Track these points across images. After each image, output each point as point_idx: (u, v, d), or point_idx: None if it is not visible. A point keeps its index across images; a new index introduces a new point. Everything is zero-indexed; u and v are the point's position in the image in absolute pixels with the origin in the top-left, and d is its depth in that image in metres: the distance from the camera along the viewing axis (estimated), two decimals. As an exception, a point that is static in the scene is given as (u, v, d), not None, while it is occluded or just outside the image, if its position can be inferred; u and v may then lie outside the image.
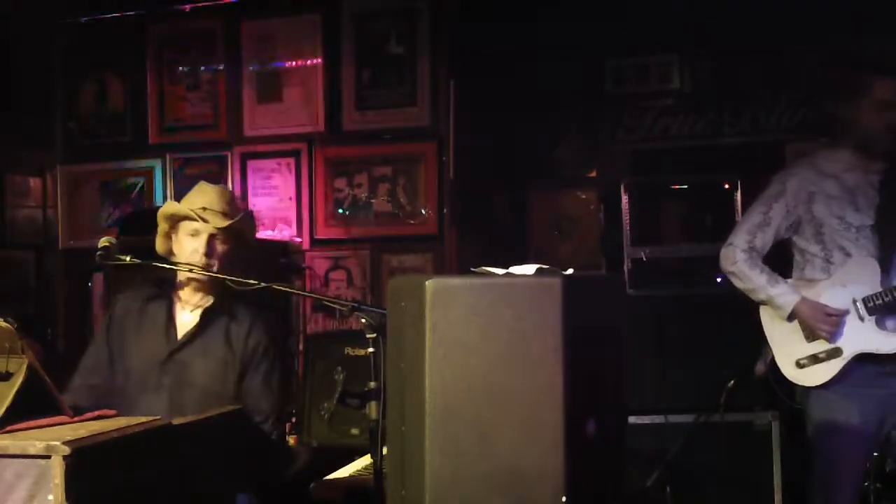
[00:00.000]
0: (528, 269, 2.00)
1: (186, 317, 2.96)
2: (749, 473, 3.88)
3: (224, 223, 2.89)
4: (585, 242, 5.14)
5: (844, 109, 3.15)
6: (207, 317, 2.94)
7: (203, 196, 2.96)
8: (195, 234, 2.90)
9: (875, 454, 3.53)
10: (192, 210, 2.90)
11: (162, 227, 2.98)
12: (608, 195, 4.73)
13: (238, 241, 2.94)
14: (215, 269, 2.87)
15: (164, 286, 3.01)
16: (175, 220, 2.95)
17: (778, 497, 3.84)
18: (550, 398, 1.82)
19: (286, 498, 3.76)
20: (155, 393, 2.86)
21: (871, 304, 3.04)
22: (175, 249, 2.96)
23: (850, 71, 3.20)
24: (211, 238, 2.89)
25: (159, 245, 3.01)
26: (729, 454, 3.78)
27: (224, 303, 2.95)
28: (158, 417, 2.43)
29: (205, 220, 2.88)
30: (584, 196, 5.22)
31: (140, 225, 3.73)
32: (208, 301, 2.96)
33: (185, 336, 2.92)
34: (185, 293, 2.98)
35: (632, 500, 3.70)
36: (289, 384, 3.02)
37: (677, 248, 4.20)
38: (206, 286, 2.94)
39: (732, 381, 3.54)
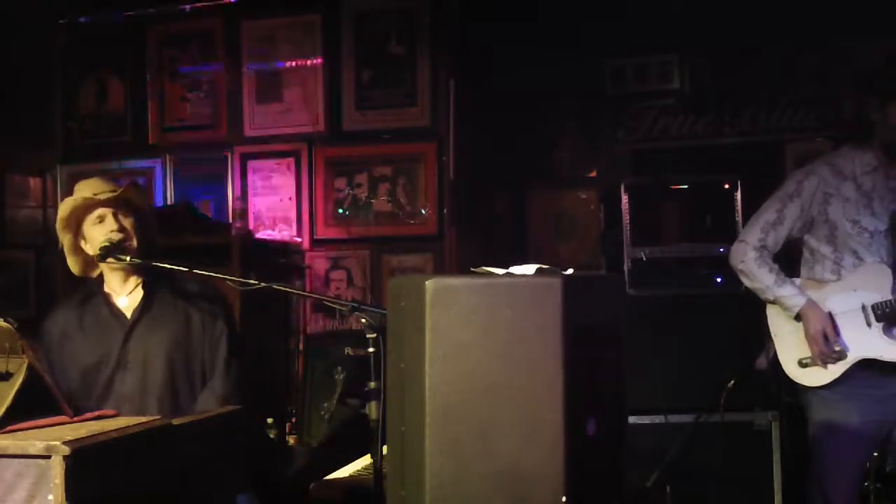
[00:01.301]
0: (528, 269, 2.01)
1: (125, 301, 2.98)
2: (749, 473, 3.88)
3: (114, 194, 2.90)
4: (585, 242, 5.14)
5: (876, 110, 3.10)
6: (149, 290, 2.97)
7: (86, 188, 2.96)
8: (101, 220, 2.91)
9: (875, 454, 3.53)
10: (86, 196, 2.92)
11: (66, 240, 2.96)
12: (608, 195, 4.73)
13: (137, 213, 2.96)
14: (133, 244, 2.89)
15: (91, 287, 3.03)
16: (75, 221, 2.94)
17: (778, 497, 3.84)
18: (550, 398, 1.83)
19: (286, 498, 3.77)
20: (122, 373, 2.88)
21: (880, 311, 3.03)
22: (90, 252, 2.95)
23: (885, 72, 3.17)
24: (115, 215, 2.91)
25: (74, 265, 3.00)
26: (729, 454, 3.77)
27: (159, 278, 2.98)
28: (158, 417, 2.43)
29: (101, 199, 2.90)
30: (584, 196, 5.22)
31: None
32: (140, 280, 2.98)
33: (134, 314, 2.94)
34: (114, 285, 2.99)
35: (632, 500, 3.70)
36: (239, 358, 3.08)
37: (677, 248, 4.20)
38: (135, 270, 2.96)
39: (732, 381, 3.54)
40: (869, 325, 3.04)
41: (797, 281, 3.18)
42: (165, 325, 2.95)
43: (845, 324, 3.08)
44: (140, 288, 2.98)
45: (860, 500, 3.59)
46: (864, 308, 3.05)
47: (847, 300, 3.07)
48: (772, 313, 3.21)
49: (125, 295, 2.98)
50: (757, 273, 3.17)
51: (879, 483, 3.63)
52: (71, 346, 2.95)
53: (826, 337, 3.04)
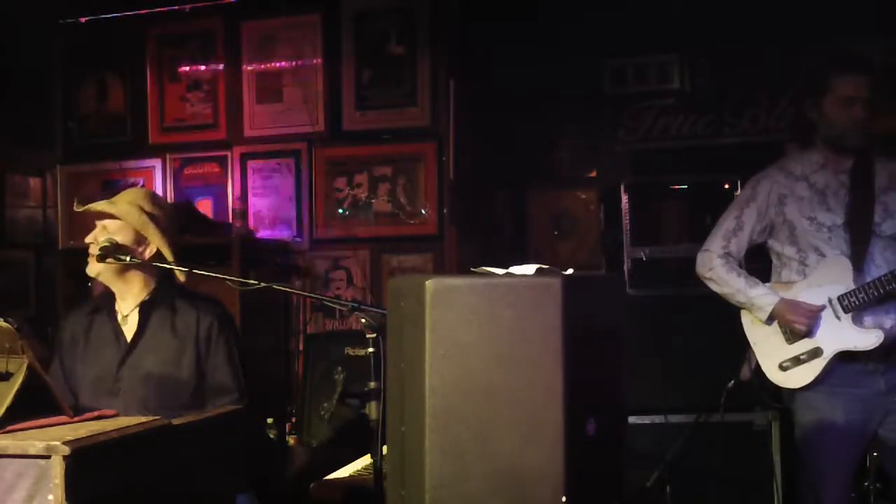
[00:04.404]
0: (528, 269, 2.01)
1: (125, 322, 2.99)
2: (749, 473, 3.88)
3: (98, 208, 2.95)
4: (585, 242, 5.14)
5: (812, 109, 3.17)
6: (145, 311, 2.96)
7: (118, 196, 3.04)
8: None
9: (875, 454, 3.53)
10: (90, 206, 2.99)
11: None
12: (608, 195, 4.73)
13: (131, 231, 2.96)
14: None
15: (104, 298, 3.05)
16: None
17: (778, 497, 3.84)
18: (550, 398, 1.83)
19: (286, 498, 3.77)
20: (111, 398, 2.87)
21: (846, 302, 3.05)
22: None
23: (814, 71, 3.23)
24: (104, 228, 2.96)
25: None
26: (729, 454, 3.77)
27: (160, 295, 2.98)
28: (158, 417, 2.44)
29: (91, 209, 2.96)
30: (584, 196, 5.22)
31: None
32: (138, 302, 2.98)
33: (132, 338, 2.95)
34: (121, 298, 3.01)
35: (632, 500, 3.70)
36: (244, 365, 3.06)
37: (677, 248, 4.20)
38: (141, 282, 2.97)
39: (732, 381, 3.54)
40: (838, 318, 3.06)
41: (767, 285, 3.21)
42: (160, 346, 2.93)
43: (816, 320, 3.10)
44: (136, 312, 2.97)
45: (859, 500, 3.60)
46: (830, 302, 3.07)
47: (814, 296, 3.09)
48: (746, 322, 3.24)
49: (126, 315, 2.99)
50: (726, 278, 3.22)
51: (879, 483, 3.63)
52: (78, 350, 2.98)
53: (809, 312, 3.06)
